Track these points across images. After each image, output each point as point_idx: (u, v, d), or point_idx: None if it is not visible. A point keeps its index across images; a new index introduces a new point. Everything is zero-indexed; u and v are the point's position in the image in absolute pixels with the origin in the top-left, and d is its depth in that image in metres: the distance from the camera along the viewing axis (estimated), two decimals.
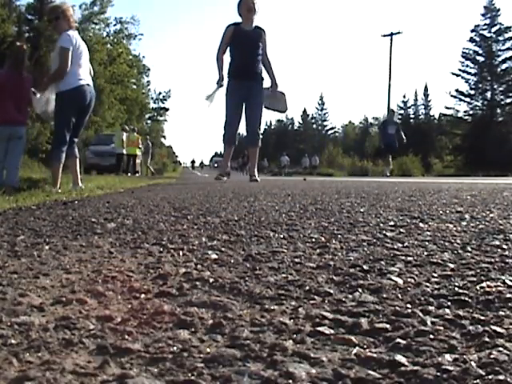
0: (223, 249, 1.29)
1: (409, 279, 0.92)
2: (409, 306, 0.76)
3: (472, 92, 36.61)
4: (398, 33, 32.70)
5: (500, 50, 35.95)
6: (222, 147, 7.03)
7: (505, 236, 1.41)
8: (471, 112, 36.95)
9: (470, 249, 1.22)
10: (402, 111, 55.71)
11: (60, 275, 0.99)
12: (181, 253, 1.23)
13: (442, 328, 0.65)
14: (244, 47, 6.33)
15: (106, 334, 0.64)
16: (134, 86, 36.40)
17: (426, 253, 1.18)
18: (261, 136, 6.71)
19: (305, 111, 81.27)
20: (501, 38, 35.79)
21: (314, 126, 78.86)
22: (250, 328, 0.66)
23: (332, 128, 78.92)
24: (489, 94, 36.16)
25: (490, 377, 0.50)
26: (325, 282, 0.92)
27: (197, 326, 0.67)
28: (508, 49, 35.55)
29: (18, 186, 4.90)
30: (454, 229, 1.59)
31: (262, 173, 32.11)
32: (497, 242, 1.30)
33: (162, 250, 1.29)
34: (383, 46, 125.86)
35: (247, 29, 6.34)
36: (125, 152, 16.77)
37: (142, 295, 0.83)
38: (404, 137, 14.35)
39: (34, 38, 30.46)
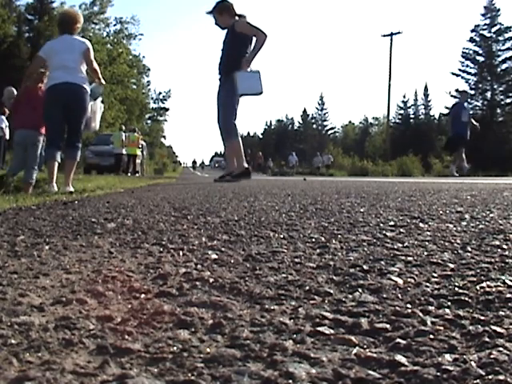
0: (223, 249, 1.29)
1: (409, 279, 0.92)
2: (409, 305, 0.76)
3: (472, 92, 36.61)
4: (398, 33, 32.72)
5: (500, 50, 35.98)
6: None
7: (505, 236, 1.41)
8: (471, 112, 36.94)
9: (470, 249, 1.22)
10: (402, 111, 55.65)
11: (60, 275, 0.99)
12: (181, 253, 1.23)
13: (442, 328, 0.65)
14: (222, 46, 6.53)
15: (106, 334, 0.64)
16: (134, 86, 36.45)
17: (425, 253, 1.18)
18: (232, 132, 6.41)
19: (305, 111, 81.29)
20: (501, 38, 35.81)
21: (314, 126, 78.82)
22: (249, 328, 0.66)
23: (332, 128, 78.91)
24: (489, 94, 36.17)
25: (489, 377, 0.50)
26: (325, 282, 0.92)
27: (197, 326, 0.67)
28: (508, 49, 35.57)
29: (32, 183, 5.50)
30: (454, 229, 1.59)
31: (266, 173, 32.07)
32: (497, 242, 1.30)
33: (162, 249, 1.29)
34: (383, 46, 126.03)
35: (224, 27, 6.48)
36: (124, 152, 16.77)
37: (142, 295, 0.83)
38: (477, 124, 12.05)
39: (34, 37, 30.49)
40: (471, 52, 36.83)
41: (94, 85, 5.14)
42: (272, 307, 0.76)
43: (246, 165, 6.52)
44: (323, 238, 1.43)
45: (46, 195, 3.81)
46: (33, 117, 5.51)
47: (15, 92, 5.93)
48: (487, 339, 0.61)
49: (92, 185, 5.56)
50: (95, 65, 4.98)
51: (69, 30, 4.92)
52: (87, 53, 4.85)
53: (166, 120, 46.41)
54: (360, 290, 0.85)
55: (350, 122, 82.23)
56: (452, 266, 1.03)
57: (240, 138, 6.49)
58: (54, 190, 4.60)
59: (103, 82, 5.23)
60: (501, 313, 0.71)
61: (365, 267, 1.03)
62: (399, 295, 0.82)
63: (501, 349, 0.57)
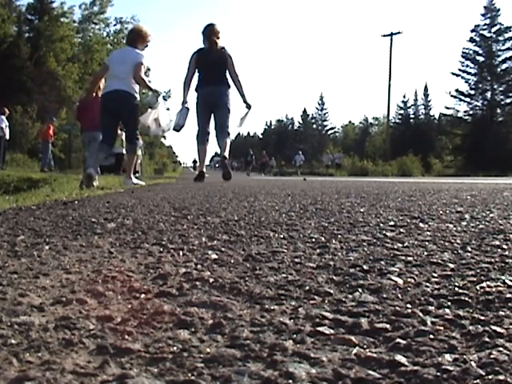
0: (223, 249, 1.29)
1: (409, 279, 0.92)
2: (409, 305, 0.76)
3: (472, 92, 36.63)
4: (398, 33, 32.78)
5: (500, 50, 35.98)
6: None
7: (505, 236, 1.41)
8: (471, 112, 36.98)
9: (470, 249, 1.22)
10: (402, 111, 55.62)
11: (60, 275, 0.99)
12: (181, 253, 1.23)
13: (442, 328, 0.65)
14: None
15: (106, 334, 0.64)
16: None
17: (425, 253, 1.18)
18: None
19: (305, 111, 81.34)
20: (501, 38, 35.81)
21: (314, 126, 78.85)
22: (249, 328, 0.66)
23: (332, 128, 78.95)
24: (489, 94, 36.18)
25: (489, 377, 0.50)
26: (325, 282, 0.92)
27: (197, 326, 0.67)
28: (508, 49, 35.57)
29: (93, 174, 6.38)
30: (454, 229, 1.59)
31: (269, 172, 31.93)
32: (497, 242, 1.30)
33: (162, 249, 1.29)
34: (383, 46, 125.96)
35: None
36: (125, 152, 16.79)
37: (142, 295, 0.83)
38: None
39: (34, 37, 30.49)
40: (471, 52, 36.83)
41: (149, 96, 6.10)
42: (272, 307, 0.76)
43: (203, 169, 7.08)
44: (323, 238, 1.43)
45: (45, 195, 3.80)
46: (94, 119, 6.47)
47: None
48: (487, 339, 0.61)
49: None
50: (143, 78, 5.62)
51: (131, 42, 5.78)
52: (136, 66, 5.54)
53: None
54: (360, 289, 0.85)
55: (350, 122, 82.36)
56: (452, 265, 1.03)
57: (202, 147, 6.84)
58: (94, 185, 5.46)
59: (156, 89, 6.08)
60: (501, 313, 0.71)
61: (365, 267, 1.03)
62: (399, 295, 0.82)
63: (501, 349, 0.57)
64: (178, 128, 6.67)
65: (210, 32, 6.61)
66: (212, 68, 6.51)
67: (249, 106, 6.72)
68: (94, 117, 6.50)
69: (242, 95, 6.67)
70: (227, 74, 6.53)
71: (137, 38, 5.76)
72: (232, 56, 6.56)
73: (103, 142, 5.76)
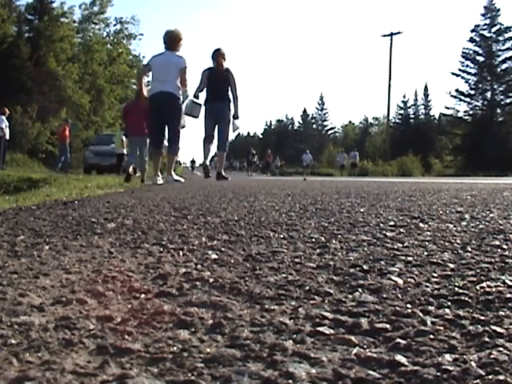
0: (223, 249, 1.29)
1: (409, 279, 0.92)
2: (409, 305, 0.76)
3: (472, 92, 36.64)
4: (398, 33, 32.82)
5: (500, 50, 35.99)
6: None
7: (505, 236, 1.41)
8: (471, 112, 36.99)
9: (470, 249, 1.22)
10: (402, 111, 55.62)
11: (60, 275, 0.99)
12: (181, 253, 1.23)
13: (442, 328, 0.65)
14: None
15: (106, 334, 0.64)
16: (134, 86, 36.42)
17: (425, 253, 1.18)
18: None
19: (305, 111, 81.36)
20: (501, 38, 35.82)
21: (314, 126, 78.89)
22: (249, 328, 0.66)
23: (332, 128, 79.00)
24: (489, 94, 36.18)
25: (489, 377, 0.50)
26: (325, 282, 0.92)
27: (197, 326, 0.67)
28: (508, 49, 35.57)
29: (145, 170, 7.99)
30: (454, 229, 1.59)
31: (272, 172, 31.90)
32: (497, 242, 1.30)
33: (162, 249, 1.29)
34: (383, 46, 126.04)
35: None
36: (125, 152, 16.80)
37: (142, 295, 0.83)
38: None
39: (34, 37, 30.50)
40: (471, 52, 36.84)
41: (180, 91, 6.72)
42: (272, 307, 0.76)
43: (207, 163, 8.27)
44: (323, 238, 1.43)
45: (45, 195, 3.81)
46: (136, 125, 7.58)
47: None
48: (487, 339, 0.61)
49: (92, 185, 5.56)
50: (186, 80, 6.26)
51: (171, 47, 6.29)
52: (183, 71, 6.17)
53: None
54: (360, 289, 0.85)
55: (350, 122, 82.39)
56: (452, 265, 1.03)
57: (207, 145, 7.86)
58: (159, 181, 6.26)
59: (185, 87, 6.59)
60: (501, 313, 0.71)
61: (365, 267, 1.03)
62: (399, 295, 0.82)
63: (501, 349, 0.57)
64: (196, 115, 7.48)
65: (217, 56, 7.69)
66: (217, 86, 7.59)
67: (236, 117, 7.77)
68: (137, 123, 7.37)
69: (236, 108, 7.80)
70: (229, 91, 7.65)
71: (173, 42, 6.30)
72: (234, 75, 7.69)
73: (152, 147, 6.44)
